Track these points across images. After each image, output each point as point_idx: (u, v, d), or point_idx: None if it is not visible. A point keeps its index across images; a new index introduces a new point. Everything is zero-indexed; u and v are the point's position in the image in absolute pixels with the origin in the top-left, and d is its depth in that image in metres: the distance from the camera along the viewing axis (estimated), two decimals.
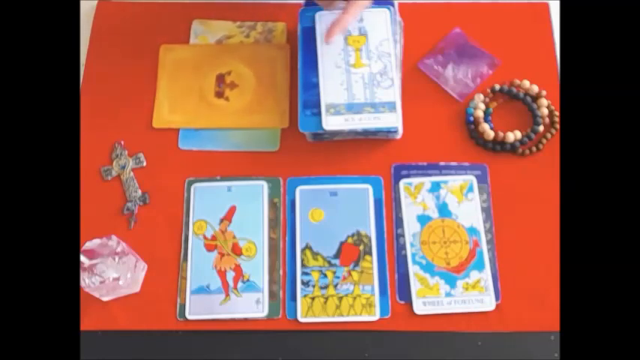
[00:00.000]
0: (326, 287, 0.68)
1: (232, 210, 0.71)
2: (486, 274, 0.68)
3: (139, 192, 0.72)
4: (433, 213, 0.70)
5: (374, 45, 0.73)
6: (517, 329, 0.66)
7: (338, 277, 0.68)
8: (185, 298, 0.67)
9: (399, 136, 0.73)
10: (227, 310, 0.67)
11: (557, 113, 0.74)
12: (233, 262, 0.69)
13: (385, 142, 0.74)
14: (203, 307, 0.67)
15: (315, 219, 0.70)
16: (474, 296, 0.67)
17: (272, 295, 0.68)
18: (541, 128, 0.73)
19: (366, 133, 0.72)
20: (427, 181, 0.71)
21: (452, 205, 0.70)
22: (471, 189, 0.71)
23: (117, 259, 0.63)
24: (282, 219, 0.71)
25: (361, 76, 0.71)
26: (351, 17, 0.69)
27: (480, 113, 0.73)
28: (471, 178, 0.71)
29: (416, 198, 0.71)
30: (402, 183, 0.71)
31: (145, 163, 0.74)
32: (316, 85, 0.71)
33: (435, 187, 0.71)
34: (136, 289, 0.68)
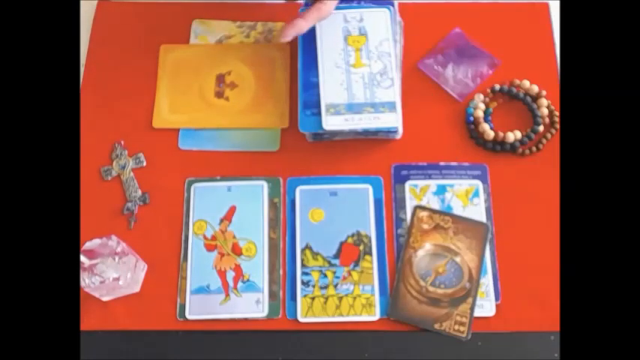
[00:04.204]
0: (326, 287, 0.68)
1: (232, 210, 0.71)
2: (487, 279, 0.67)
3: (139, 192, 0.72)
4: None
5: (374, 45, 0.73)
6: (517, 329, 0.66)
7: (338, 277, 0.68)
8: (185, 298, 0.67)
9: (399, 136, 0.73)
10: (227, 310, 0.67)
11: (557, 113, 0.74)
12: (233, 262, 0.69)
13: (385, 142, 0.74)
14: (203, 307, 0.67)
15: (315, 219, 0.70)
16: (475, 301, 0.67)
17: (272, 295, 0.68)
18: (541, 128, 0.73)
19: (366, 133, 0.72)
20: (433, 183, 0.71)
21: (456, 208, 0.70)
22: (476, 194, 0.71)
23: (117, 259, 0.63)
24: (282, 219, 0.71)
25: (361, 76, 0.71)
26: (307, 24, 0.69)
27: (480, 113, 0.73)
28: (477, 183, 0.71)
29: (421, 200, 0.71)
30: (408, 185, 0.71)
31: (145, 163, 0.74)
32: (316, 85, 0.71)
33: (441, 190, 0.71)
34: (136, 289, 0.68)
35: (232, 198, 0.71)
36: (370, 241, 0.69)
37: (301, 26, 0.69)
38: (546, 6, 0.80)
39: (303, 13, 0.69)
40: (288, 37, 0.69)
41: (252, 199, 0.71)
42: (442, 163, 0.73)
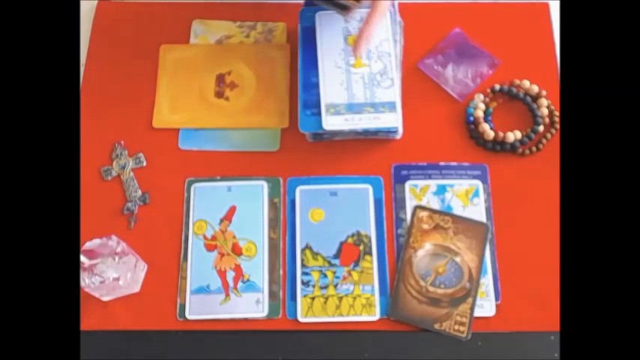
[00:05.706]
0: (326, 287, 0.68)
1: (232, 210, 0.71)
2: (487, 279, 0.67)
3: (139, 192, 0.72)
4: None
5: (374, 45, 0.73)
6: (517, 329, 0.66)
7: (338, 277, 0.68)
8: (185, 298, 0.67)
9: (399, 136, 0.73)
10: (227, 310, 0.67)
11: (557, 113, 0.74)
12: (233, 262, 0.69)
13: (385, 142, 0.74)
14: (203, 307, 0.67)
15: (315, 219, 0.70)
16: (475, 301, 0.67)
17: (272, 295, 0.68)
18: (541, 128, 0.73)
19: (366, 133, 0.72)
20: (433, 183, 0.71)
21: (456, 208, 0.70)
22: (476, 194, 0.71)
23: (117, 259, 0.63)
24: (282, 219, 0.71)
25: (361, 76, 0.71)
26: (374, 27, 0.67)
27: (480, 113, 0.73)
28: (477, 183, 0.71)
29: (421, 200, 0.71)
30: (408, 185, 0.71)
31: (145, 163, 0.74)
32: (316, 85, 0.71)
33: (441, 190, 0.71)
34: (136, 289, 0.68)
35: (232, 198, 0.71)
36: (370, 241, 0.69)
37: (369, 32, 0.67)
38: (546, 6, 0.80)
39: (365, 19, 0.67)
40: (363, 51, 0.68)
41: (252, 199, 0.71)
42: (442, 163, 0.73)
